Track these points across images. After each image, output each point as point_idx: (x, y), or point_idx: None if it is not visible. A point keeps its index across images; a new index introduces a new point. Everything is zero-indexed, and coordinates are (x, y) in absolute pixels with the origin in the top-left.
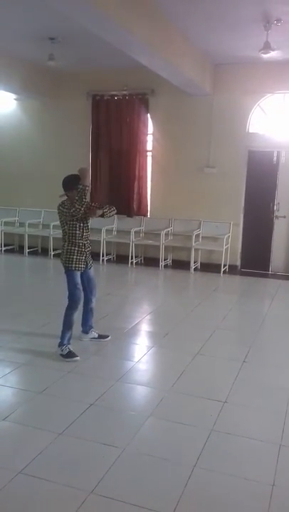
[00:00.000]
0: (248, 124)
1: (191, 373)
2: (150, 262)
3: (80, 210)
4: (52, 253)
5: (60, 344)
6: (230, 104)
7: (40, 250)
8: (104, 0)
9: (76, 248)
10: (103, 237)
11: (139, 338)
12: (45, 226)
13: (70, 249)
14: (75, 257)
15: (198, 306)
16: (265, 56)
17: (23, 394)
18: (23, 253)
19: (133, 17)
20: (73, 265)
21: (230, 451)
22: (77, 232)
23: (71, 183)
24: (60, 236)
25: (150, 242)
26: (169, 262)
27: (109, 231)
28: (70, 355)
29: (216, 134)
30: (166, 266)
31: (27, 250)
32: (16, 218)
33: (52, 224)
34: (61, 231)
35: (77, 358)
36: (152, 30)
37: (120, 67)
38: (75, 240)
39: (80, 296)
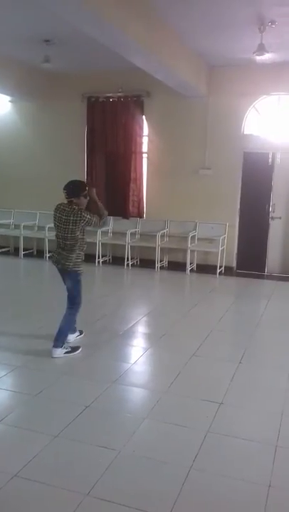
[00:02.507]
0: (243, 125)
1: (187, 375)
2: (146, 263)
3: (92, 218)
4: (47, 255)
5: (62, 344)
6: (225, 105)
7: (35, 252)
8: (99, 2)
9: (83, 252)
10: (99, 238)
11: (135, 340)
12: (41, 228)
13: (79, 254)
14: (81, 260)
15: (195, 308)
16: (260, 58)
17: (18, 396)
18: (18, 255)
19: (128, 19)
20: (81, 269)
21: (226, 453)
22: (85, 236)
23: (81, 189)
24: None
25: (146, 243)
26: (165, 263)
27: (104, 233)
28: (76, 348)
29: (212, 135)
30: (162, 267)
31: (22, 252)
32: (11, 220)
33: (47, 226)
34: (61, 237)
35: (80, 348)
36: (147, 32)
37: (115, 69)
38: (83, 244)
39: (80, 304)
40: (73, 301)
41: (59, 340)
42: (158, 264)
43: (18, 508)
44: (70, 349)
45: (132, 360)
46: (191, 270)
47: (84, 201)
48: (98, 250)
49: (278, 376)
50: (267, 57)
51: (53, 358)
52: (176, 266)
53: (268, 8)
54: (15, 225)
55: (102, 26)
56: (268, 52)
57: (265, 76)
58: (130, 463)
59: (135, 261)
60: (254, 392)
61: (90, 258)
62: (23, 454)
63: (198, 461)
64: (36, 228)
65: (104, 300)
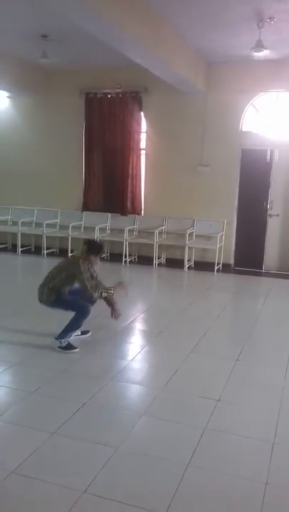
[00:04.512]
0: (242, 122)
1: (185, 372)
2: (144, 260)
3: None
4: (45, 252)
5: (60, 337)
6: (223, 102)
7: (33, 249)
8: None
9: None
10: (97, 235)
11: (132, 337)
12: (38, 225)
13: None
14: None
15: (192, 305)
16: (258, 54)
17: (15, 393)
18: (16, 252)
19: (126, 15)
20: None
21: (223, 450)
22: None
23: (100, 250)
24: (53, 235)
25: (144, 240)
26: (163, 260)
27: (102, 229)
28: (70, 347)
29: (210, 132)
30: (160, 264)
31: (20, 249)
32: (9, 217)
33: (45, 222)
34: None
35: (77, 349)
36: (145, 28)
37: (113, 65)
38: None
39: (87, 306)
40: (74, 309)
41: (62, 334)
42: (156, 261)
43: (16, 504)
44: (66, 344)
45: (130, 357)
46: (189, 267)
47: (93, 261)
48: None
49: (276, 373)
50: (265, 53)
51: (52, 349)
52: (174, 263)
53: (266, 4)
54: (13, 222)
55: (100, 23)
56: (266, 48)
57: (264, 73)
58: (128, 460)
59: (133, 258)
60: (251, 389)
61: None
62: (20, 451)
63: (196, 458)
64: (34, 225)
65: None
